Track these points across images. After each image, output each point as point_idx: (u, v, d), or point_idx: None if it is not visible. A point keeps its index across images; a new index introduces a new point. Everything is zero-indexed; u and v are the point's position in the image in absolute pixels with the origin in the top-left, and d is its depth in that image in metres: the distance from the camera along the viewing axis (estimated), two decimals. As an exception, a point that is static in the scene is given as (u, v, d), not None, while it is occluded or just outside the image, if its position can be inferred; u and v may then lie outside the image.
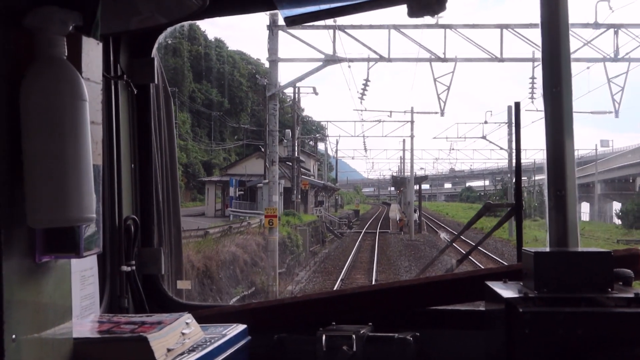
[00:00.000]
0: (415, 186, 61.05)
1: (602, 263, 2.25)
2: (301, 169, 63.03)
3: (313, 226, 46.52)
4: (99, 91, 2.11)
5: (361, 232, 56.52)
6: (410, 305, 2.98)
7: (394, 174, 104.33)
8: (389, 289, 3.06)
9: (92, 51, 2.07)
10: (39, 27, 1.86)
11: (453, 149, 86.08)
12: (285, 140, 53.60)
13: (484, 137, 61.33)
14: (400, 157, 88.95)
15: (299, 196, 54.28)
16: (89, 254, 2.07)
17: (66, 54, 1.90)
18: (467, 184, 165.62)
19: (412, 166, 61.11)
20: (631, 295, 2.17)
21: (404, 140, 74.19)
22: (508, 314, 2.22)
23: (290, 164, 53.34)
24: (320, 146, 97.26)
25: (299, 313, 3.08)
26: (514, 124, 3.39)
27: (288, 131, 54.52)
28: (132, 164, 3.27)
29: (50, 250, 1.96)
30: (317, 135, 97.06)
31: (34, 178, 1.81)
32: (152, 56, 3.28)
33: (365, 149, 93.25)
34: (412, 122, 58.11)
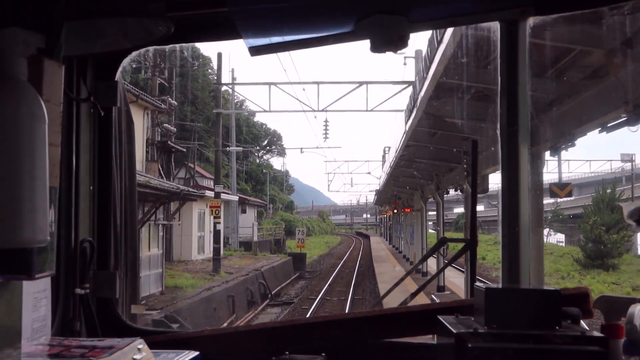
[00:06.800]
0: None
1: (551, 301, 2.30)
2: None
3: None
4: (59, 113, 2.11)
5: None
6: (363, 336, 3.00)
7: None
8: (343, 320, 3.07)
9: (54, 73, 2.07)
10: (1, 48, 1.87)
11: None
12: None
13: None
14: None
15: None
16: (41, 277, 2.05)
17: (27, 76, 1.91)
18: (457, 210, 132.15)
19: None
20: (578, 333, 2.21)
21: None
22: (458, 349, 2.25)
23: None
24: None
25: (253, 341, 3.07)
26: (471, 162, 3.43)
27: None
28: (91, 186, 3.25)
29: (1, 272, 1.94)
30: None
31: (-13, 198, 1.80)
32: (116, 79, 3.29)
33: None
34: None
